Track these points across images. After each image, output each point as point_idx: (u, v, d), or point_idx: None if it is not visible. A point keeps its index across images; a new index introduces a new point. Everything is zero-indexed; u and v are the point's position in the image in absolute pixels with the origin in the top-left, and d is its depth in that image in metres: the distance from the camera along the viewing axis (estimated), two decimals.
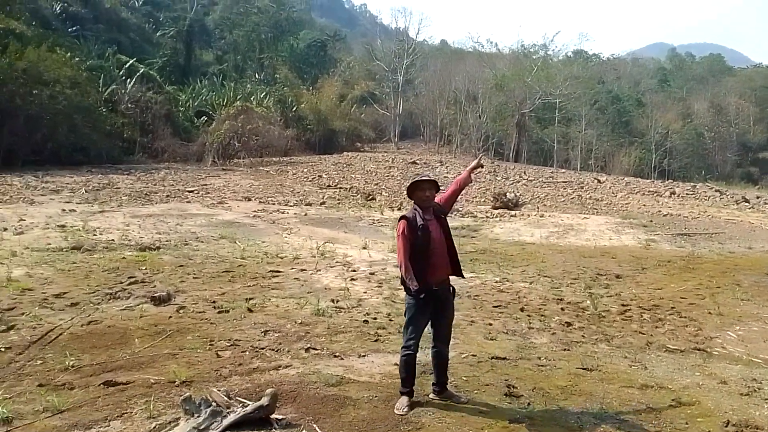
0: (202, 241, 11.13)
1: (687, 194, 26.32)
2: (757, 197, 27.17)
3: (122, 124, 27.26)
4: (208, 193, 18.60)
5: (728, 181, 42.34)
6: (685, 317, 7.59)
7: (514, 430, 4.05)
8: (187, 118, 33.41)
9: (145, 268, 8.64)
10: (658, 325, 7.16)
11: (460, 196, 5.19)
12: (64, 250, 9.55)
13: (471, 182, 5.12)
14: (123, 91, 28.43)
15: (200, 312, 6.71)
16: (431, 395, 4.55)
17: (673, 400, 4.70)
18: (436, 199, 4.61)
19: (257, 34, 53.80)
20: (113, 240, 10.69)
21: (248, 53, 53.93)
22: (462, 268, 4.68)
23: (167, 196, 17.31)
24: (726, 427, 4.26)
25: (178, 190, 18.73)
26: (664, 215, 18.69)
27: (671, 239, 14.14)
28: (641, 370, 5.42)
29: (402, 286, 4.53)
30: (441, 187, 4.67)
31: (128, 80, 29.11)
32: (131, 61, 31.09)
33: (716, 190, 28.12)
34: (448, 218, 4.71)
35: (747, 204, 23.80)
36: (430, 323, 4.53)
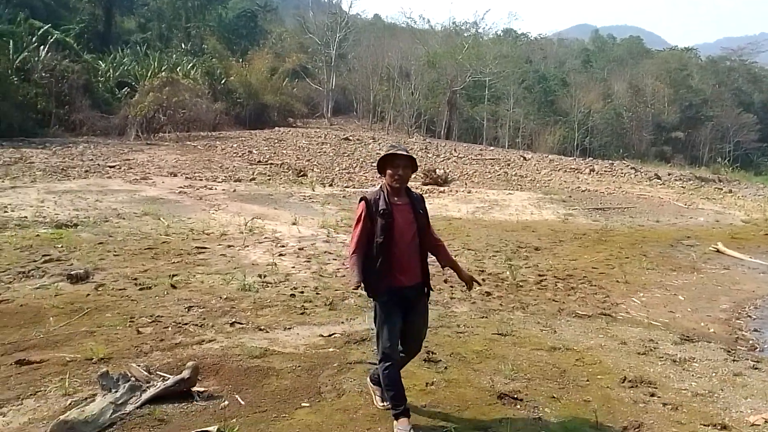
0: (124, 218, 10.77)
1: (605, 171, 27.68)
2: (669, 174, 28.97)
3: (36, 95, 25.54)
4: (131, 168, 17.88)
5: (643, 159, 44.73)
6: (595, 285, 8.13)
7: (430, 392, 4.27)
8: (108, 89, 31.67)
9: (61, 246, 8.30)
10: (570, 293, 7.64)
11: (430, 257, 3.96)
12: None
13: (442, 265, 4.15)
14: (36, 58, 26.54)
15: (120, 289, 6.56)
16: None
17: (577, 360, 5.08)
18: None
19: (183, 1, 51.40)
20: (26, 217, 10.17)
21: (174, 22, 51.47)
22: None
23: (86, 171, 16.52)
24: (623, 382, 4.66)
25: (98, 165, 17.90)
26: (583, 191, 19.65)
27: (587, 213, 14.94)
28: (551, 334, 5.81)
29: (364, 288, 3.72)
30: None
31: (42, 47, 27.22)
32: (45, 27, 29.05)
33: (632, 168, 29.70)
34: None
35: (659, 180, 25.38)
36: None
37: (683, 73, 62.02)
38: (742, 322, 7.14)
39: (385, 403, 3.90)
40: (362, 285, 3.65)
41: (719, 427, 3.95)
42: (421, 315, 3.79)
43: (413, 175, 3.95)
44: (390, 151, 3.76)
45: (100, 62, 34.01)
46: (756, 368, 5.18)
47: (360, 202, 3.74)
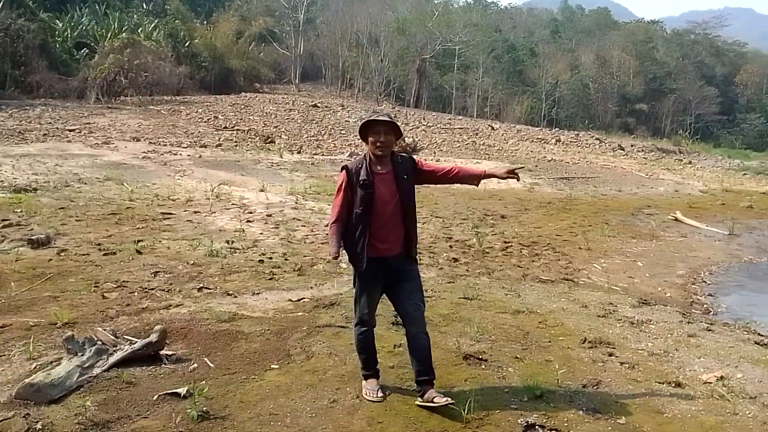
0: (86, 183, 10.51)
1: (571, 142, 28.10)
2: (632, 145, 29.61)
3: None
4: (92, 132, 17.34)
5: (608, 130, 45.42)
6: (559, 252, 8.33)
7: (398, 353, 4.35)
8: (66, 50, 30.40)
9: (21, 211, 8.07)
10: (535, 260, 7.83)
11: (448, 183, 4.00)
12: None
13: (475, 185, 3.92)
14: None
15: (84, 254, 6.44)
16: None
17: (539, 322, 5.24)
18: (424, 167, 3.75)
19: None
20: None
21: None
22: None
23: (44, 134, 15.97)
24: (583, 343, 4.83)
25: (57, 128, 17.31)
26: (549, 161, 19.95)
27: (553, 183, 15.21)
28: (515, 298, 5.96)
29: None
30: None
31: None
32: None
33: (596, 138, 30.23)
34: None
35: (622, 151, 25.93)
36: (392, 303, 3.78)
37: (649, 45, 62.76)
38: (697, 287, 7.44)
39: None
40: (342, 255, 3.63)
41: (674, 385, 4.13)
42: (410, 280, 3.66)
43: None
44: (371, 117, 3.61)
45: (57, 21, 32.54)
46: (709, 330, 5.42)
47: (341, 171, 3.64)
